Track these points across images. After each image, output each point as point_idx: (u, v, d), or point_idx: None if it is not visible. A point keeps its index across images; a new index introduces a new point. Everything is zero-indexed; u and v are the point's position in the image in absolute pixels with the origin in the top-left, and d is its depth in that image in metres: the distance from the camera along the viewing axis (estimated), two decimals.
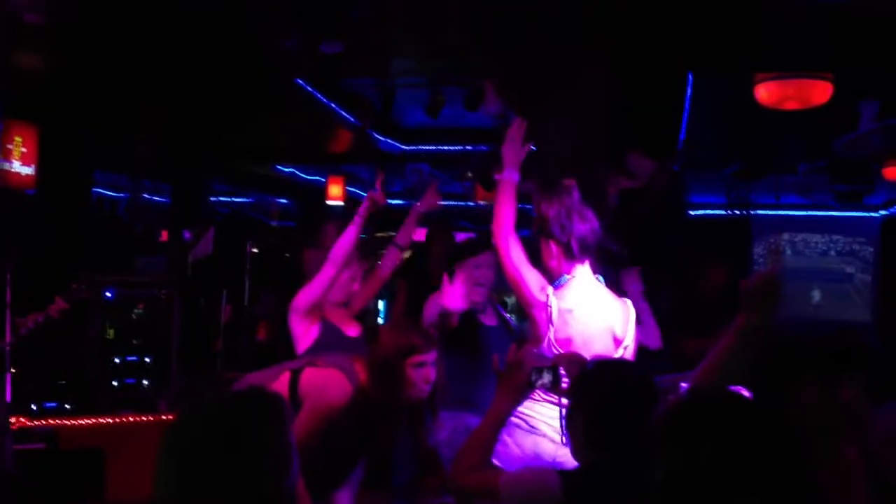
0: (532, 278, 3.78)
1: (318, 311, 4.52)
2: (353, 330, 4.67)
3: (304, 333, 4.49)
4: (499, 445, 3.42)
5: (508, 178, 3.91)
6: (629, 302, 3.96)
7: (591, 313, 3.80)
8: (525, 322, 3.97)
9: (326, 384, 3.55)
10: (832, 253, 14.30)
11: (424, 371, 3.56)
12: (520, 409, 3.41)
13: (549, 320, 3.70)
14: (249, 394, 1.78)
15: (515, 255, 3.79)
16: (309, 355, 4.20)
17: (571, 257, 3.82)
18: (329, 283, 4.39)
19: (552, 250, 3.84)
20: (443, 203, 12.60)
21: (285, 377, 3.61)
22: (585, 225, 3.83)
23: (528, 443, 3.69)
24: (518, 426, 3.69)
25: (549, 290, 3.76)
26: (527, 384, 3.02)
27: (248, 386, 1.96)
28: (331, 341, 4.42)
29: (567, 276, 3.82)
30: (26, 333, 5.34)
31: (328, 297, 4.53)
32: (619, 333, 3.84)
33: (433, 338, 3.72)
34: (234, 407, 1.71)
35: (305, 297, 4.46)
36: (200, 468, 1.61)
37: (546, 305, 3.72)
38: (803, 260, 14.25)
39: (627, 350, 3.85)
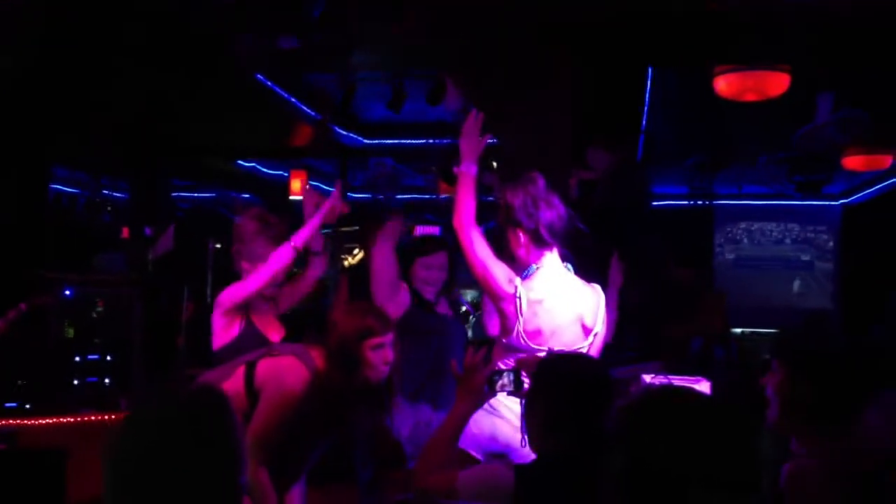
0: (499, 271, 3.75)
1: (242, 310, 4.24)
2: (276, 334, 4.38)
3: (223, 330, 4.22)
4: None
5: (467, 171, 3.86)
6: (598, 288, 3.94)
7: (560, 303, 3.79)
8: (480, 314, 3.98)
9: (282, 372, 3.53)
10: (787, 241, 14.49)
11: (383, 353, 3.54)
12: None
13: (519, 312, 3.69)
14: (192, 395, 1.77)
15: (480, 249, 3.75)
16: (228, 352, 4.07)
17: (541, 244, 3.78)
18: (262, 286, 4.13)
19: (520, 239, 3.80)
20: (406, 196, 12.60)
21: (240, 371, 3.58)
22: (552, 211, 3.80)
23: (487, 424, 3.68)
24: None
25: (518, 281, 3.74)
26: (487, 387, 3.05)
27: (193, 387, 1.95)
28: (249, 344, 4.12)
29: (535, 266, 3.80)
30: None
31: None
32: (588, 322, 3.83)
33: (389, 319, 3.68)
34: (178, 410, 1.69)
35: (232, 294, 4.18)
36: (150, 475, 1.60)
37: (515, 297, 3.70)
38: (759, 249, 14.45)
39: (598, 337, 3.85)
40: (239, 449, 1.69)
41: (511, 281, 3.74)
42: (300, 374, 3.50)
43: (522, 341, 3.69)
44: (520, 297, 3.70)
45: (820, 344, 2.57)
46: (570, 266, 3.91)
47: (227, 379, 3.55)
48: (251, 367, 3.57)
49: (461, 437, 3.15)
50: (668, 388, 1.97)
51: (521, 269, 3.82)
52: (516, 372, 3.10)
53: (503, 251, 3.86)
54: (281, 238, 4.20)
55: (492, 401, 3.59)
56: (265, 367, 3.57)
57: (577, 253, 4.37)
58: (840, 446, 2.42)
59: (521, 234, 3.80)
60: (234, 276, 4.41)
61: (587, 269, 4.64)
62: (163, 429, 1.65)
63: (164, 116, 9.66)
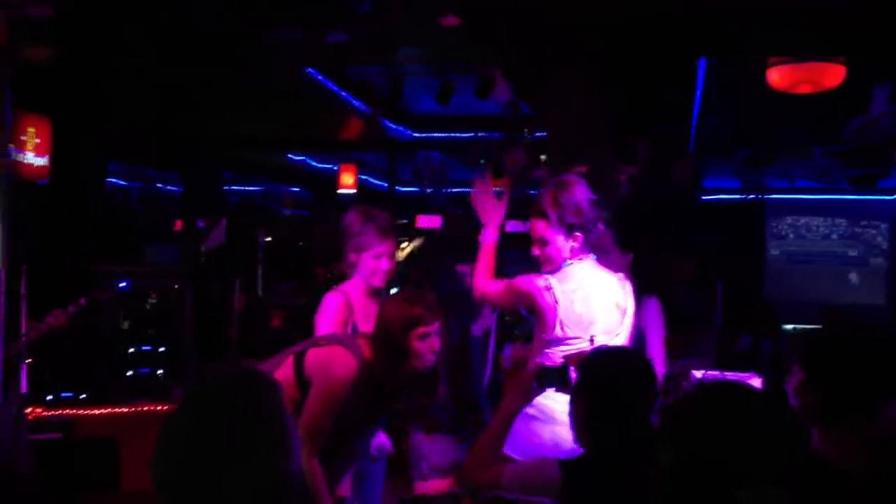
0: (523, 281, 3.79)
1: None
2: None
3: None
4: (517, 437, 3.45)
5: (488, 241, 3.87)
6: (622, 276, 3.97)
7: (596, 290, 3.82)
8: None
9: (330, 361, 3.51)
10: (834, 237, 14.27)
11: (430, 341, 3.52)
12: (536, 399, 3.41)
13: (556, 302, 3.71)
14: (242, 377, 1.79)
15: (501, 287, 3.81)
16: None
17: (576, 244, 3.82)
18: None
19: (557, 239, 3.82)
20: (454, 190, 12.58)
21: (290, 361, 3.61)
22: (591, 213, 3.82)
23: (547, 433, 3.66)
24: (535, 417, 3.66)
25: (549, 277, 3.77)
26: (536, 384, 3.05)
27: (243, 370, 1.96)
28: None
29: (568, 262, 3.82)
30: (40, 334, 5.35)
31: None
32: (622, 304, 3.87)
33: (437, 307, 3.64)
34: (231, 392, 1.72)
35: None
36: (200, 455, 1.62)
37: (549, 289, 3.73)
38: (805, 244, 14.24)
39: (629, 320, 3.88)
40: (289, 431, 1.70)
41: (540, 277, 3.78)
42: (348, 364, 3.50)
43: (563, 332, 3.70)
44: (553, 288, 3.73)
45: (828, 345, 2.57)
46: (594, 257, 3.92)
47: (277, 369, 3.57)
48: (300, 358, 3.59)
49: (527, 453, 3.15)
50: (721, 383, 1.95)
51: (554, 267, 3.84)
52: (563, 367, 3.09)
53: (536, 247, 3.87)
54: (387, 230, 4.24)
55: (548, 409, 3.61)
56: (313, 357, 3.58)
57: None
58: (854, 444, 2.39)
59: (558, 234, 3.80)
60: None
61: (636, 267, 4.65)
62: (213, 409, 1.67)
63: (215, 110, 9.77)
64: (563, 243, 3.82)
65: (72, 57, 7.53)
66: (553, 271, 3.81)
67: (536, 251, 3.88)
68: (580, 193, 3.83)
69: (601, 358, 2.96)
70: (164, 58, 7.45)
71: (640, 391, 2.73)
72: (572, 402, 2.85)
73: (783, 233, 14.28)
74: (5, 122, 2.64)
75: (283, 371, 3.56)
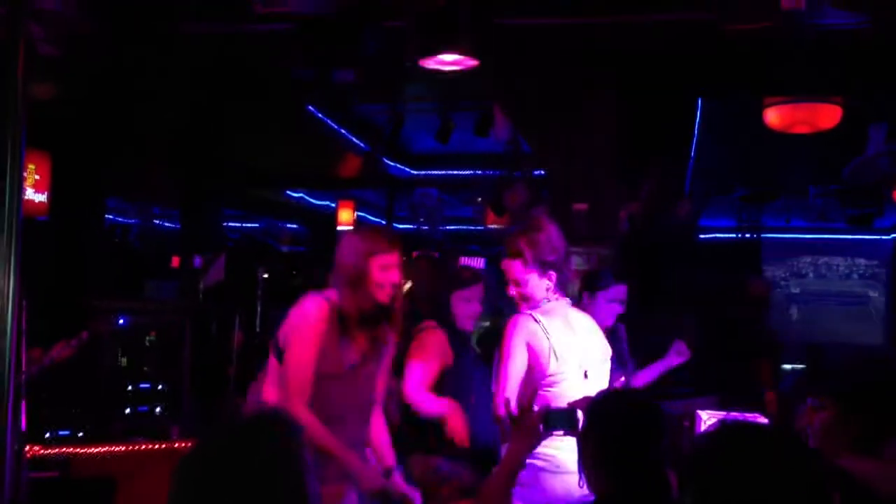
0: (513, 335, 3.77)
1: None
2: None
3: None
4: (526, 489, 3.42)
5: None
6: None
7: (577, 321, 3.90)
8: None
9: (298, 307, 3.57)
10: (854, 276, 14.27)
11: (390, 273, 3.55)
12: (543, 449, 3.39)
13: (548, 334, 3.72)
14: (265, 419, 1.78)
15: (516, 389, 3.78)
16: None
17: (551, 283, 3.85)
18: None
19: (533, 279, 3.83)
20: (452, 227, 12.60)
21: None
22: (562, 251, 3.88)
23: (558, 484, 3.60)
24: (543, 469, 3.61)
25: (533, 313, 3.78)
26: (542, 427, 3.03)
27: (263, 411, 1.96)
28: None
29: (546, 300, 3.83)
30: (43, 368, 5.34)
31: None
32: (599, 332, 4.00)
33: (398, 240, 3.68)
34: (250, 434, 1.71)
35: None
36: (218, 497, 1.61)
37: (538, 322, 3.74)
38: (826, 283, 14.20)
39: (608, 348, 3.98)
40: (306, 480, 1.69)
41: (523, 316, 3.79)
42: (315, 301, 3.55)
43: (558, 367, 3.69)
44: (541, 322, 3.74)
45: (864, 378, 2.63)
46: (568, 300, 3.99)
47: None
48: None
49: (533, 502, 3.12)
50: (743, 424, 1.95)
51: (533, 304, 3.84)
52: (571, 410, 3.08)
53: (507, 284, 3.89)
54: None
55: (556, 459, 3.58)
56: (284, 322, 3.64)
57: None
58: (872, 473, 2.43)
59: (532, 273, 3.82)
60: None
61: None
62: (229, 453, 1.66)
63: (215, 146, 9.80)
64: (538, 282, 3.83)
65: (74, 93, 7.57)
66: (532, 308, 3.82)
67: (512, 291, 3.88)
68: (553, 232, 3.87)
69: (609, 400, 2.95)
70: (170, 94, 7.50)
71: (648, 433, 2.71)
72: (580, 445, 2.83)
73: (780, 278, 14.30)
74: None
75: (271, 362, 3.61)
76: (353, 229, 4.09)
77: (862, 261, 14.21)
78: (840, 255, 14.22)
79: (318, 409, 3.49)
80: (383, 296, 3.57)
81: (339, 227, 11.80)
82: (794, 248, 14.24)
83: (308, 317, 3.53)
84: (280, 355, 3.57)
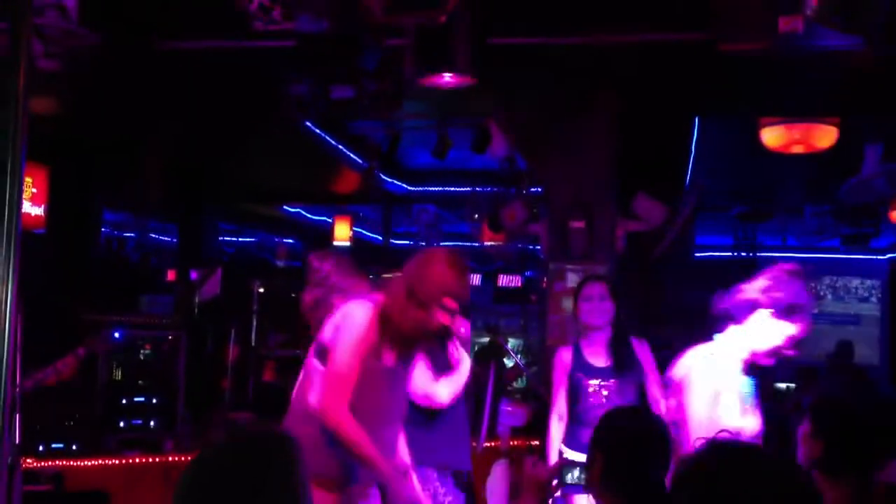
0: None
1: None
2: None
3: None
4: None
5: None
6: None
7: None
8: (534, 367, 4.01)
9: (347, 309, 3.55)
10: (849, 297, 14.26)
11: (447, 315, 3.52)
12: None
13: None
14: (262, 437, 1.79)
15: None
16: None
17: None
18: None
19: None
20: (449, 243, 12.60)
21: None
22: None
23: None
24: None
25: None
26: (556, 481, 3.02)
27: (261, 427, 1.97)
28: None
29: None
30: (37, 384, 5.33)
31: None
32: None
33: (469, 293, 3.69)
34: (249, 450, 1.72)
35: None
36: None
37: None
38: (820, 303, 14.15)
39: None
40: (302, 491, 1.70)
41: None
42: (364, 306, 3.52)
43: None
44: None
45: (834, 402, 2.84)
46: None
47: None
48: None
49: None
50: (733, 443, 1.96)
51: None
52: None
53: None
54: (358, 269, 4.38)
55: None
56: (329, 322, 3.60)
57: None
58: (848, 496, 2.51)
59: None
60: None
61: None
62: (228, 470, 1.67)
63: (213, 161, 9.82)
64: None
65: (71, 108, 7.59)
66: None
67: None
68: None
69: (614, 417, 2.96)
70: (167, 111, 7.52)
71: (651, 452, 2.72)
72: (587, 461, 2.84)
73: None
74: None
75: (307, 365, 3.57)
76: (443, 251, 4.00)
77: (857, 281, 14.22)
78: (836, 275, 14.23)
79: (354, 413, 3.50)
80: (446, 319, 3.56)
81: (334, 243, 11.81)
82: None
83: (356, 323, 3.50)
84: (324, 356, 3.56)
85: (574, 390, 4.65)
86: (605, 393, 4.63)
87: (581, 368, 4.71)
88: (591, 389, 4.63)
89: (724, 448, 1.88)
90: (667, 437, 2.78)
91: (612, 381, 4.65)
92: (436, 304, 3.47)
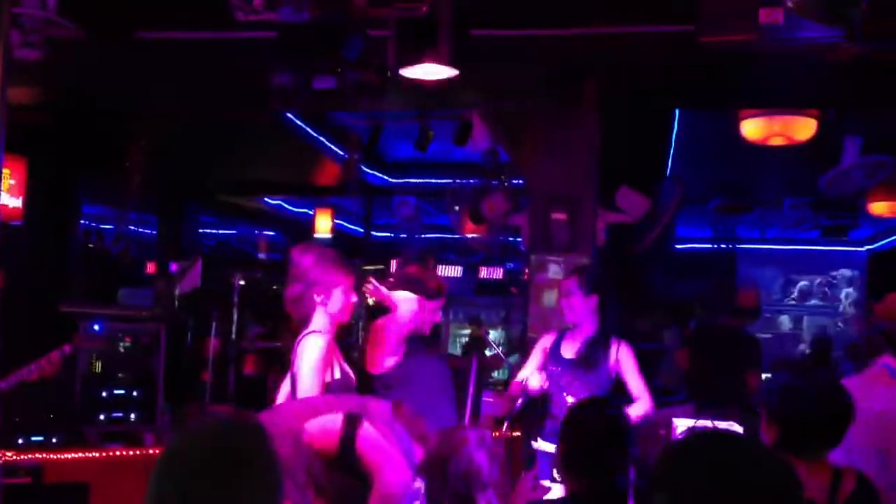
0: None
1: None
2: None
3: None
4: None
5: None
6: None
7: None
8: (515, 355, 4.07)
9: (385, 465, 3.25)
10: (828, 288, 14.36)
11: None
12: None
13: None
14: (233, 425, 1.79)
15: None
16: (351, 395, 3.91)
17: None
18: None
19: None
20: (429, 235, 12.56)
21: (336, 427, 3.30)
22: None
23: None
24: None
25: None
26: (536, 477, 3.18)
27: (228, 416, 1.96)
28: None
29: None
30: (21, 380, 5.28)
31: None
32: None
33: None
34: (221, 438, 1.72)
35: None
36: (192, 499, 1.62)
37: None
38: (798, 295, 14.24)
39: None
40: (278, 482, 1.71)
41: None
42: (402, 476, 3.24)
43: None
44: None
45: (782, 392, 2.92)
46: None
47: (315, 427, 3.34)
48: (351, 433, 3.28)
49: None
50: (713, 432, 1.97)
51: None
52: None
53: None
54: (347, 264, 4.35)
55: None
56: (368, 447, 3.27)
57: None
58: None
59: None
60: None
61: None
62: (201, 459, 1.67)
63: (193, 153, 9.77)
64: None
65: (50, 98, 7.53)
66: None
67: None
68: None
69: (576, 410, 3.13)
70: (147, 103, 7.47)
71: (610, 443, 2.85)
72: (557, 449, 2.97)
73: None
74: None
75: (325, 434, 3.29)
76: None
77: (836, 272, 14.32)
78: (814, 267, 14.33)
79: None
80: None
81: (315, 235, 11.77)
82: (769, 259, 14.33)
83: (394, 494, 3.24)
84: (346, 457, 3.30)
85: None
86: (560, 383, 4.77)
87: (553, 356, 4.89)
88: (551, 378, 4.79)
89: (705, 436, 1.89)
90: (626, 429, 2.92)
91: (568, 374, 4.77)
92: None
